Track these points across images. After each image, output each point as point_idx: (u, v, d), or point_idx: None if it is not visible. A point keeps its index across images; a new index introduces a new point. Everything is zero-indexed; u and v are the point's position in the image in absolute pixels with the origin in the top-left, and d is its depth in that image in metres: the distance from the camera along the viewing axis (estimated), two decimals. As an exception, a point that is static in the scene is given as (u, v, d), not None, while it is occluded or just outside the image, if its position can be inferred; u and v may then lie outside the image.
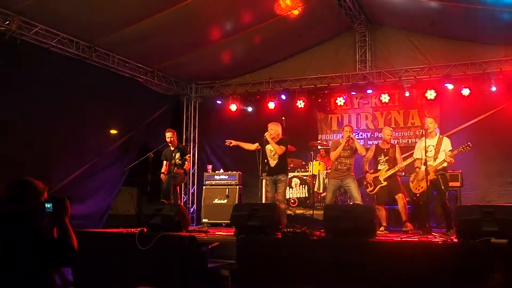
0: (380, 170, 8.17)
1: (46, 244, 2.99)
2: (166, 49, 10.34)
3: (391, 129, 8.96)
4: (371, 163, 8.37)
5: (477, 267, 5.11)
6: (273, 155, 8.09)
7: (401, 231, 7.73)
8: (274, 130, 8.07)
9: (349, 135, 8.09)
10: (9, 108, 8.25)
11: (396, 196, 8.00)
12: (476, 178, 10.14)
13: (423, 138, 7.58)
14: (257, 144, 8.25)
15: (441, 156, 7.35)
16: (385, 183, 8.09)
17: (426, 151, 7.43)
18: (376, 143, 10.87)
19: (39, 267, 2.97)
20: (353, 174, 8.17)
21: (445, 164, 7.35)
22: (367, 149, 8.44)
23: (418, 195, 7.79)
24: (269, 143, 8.05)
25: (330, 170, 9.80)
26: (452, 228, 7.07)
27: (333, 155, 8.17)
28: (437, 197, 7.31)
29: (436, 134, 7.51)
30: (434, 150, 7.30)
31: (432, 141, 7.45)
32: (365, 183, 8.42)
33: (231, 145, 8.45)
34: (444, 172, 7.41)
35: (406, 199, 8.29)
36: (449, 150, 7.40)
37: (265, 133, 8.02)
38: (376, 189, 8.17)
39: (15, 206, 3.07)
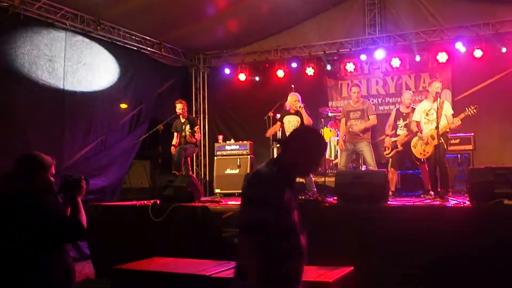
0: (399, 135, 8.14)
1: (53, 221, 3.00)
2: (171, 20, 10.20)
3: (411, 93, 8.89)
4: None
5: (490, 230, 5.10)
6: (291, 126, 8.10)
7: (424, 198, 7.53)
8: (295, 99, 8.14)
9: (300, 105, 8.05)
10: (15, 86, 8.24)
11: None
12: (490, 141, 9.99)
13: (424, 101, 7.67)
14: (279, 123, 8.38)
15: (443, 120, 7.27)
16: (401, 148, 8.06)
17: (427, 114, 7.44)
18: (387, 108, 10.83)
19: (47, 243, 2.99)
20: (368, 138, 8.09)
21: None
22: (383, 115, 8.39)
23: (423, 160, 7.72)
24: (287, 115, 8.21)
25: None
26: (448, 191, 7.07)
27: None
28: (438, 158, 7.19)
29: (438, 98, 7.36)
30: (435, 113, 7.16)
31: (433, 105, 7.35)
32: (384, 145, 8.41)
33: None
34: (446, 134, 7.37)
35: (406, 164, 8.30)
36: (451, 114, 7.34)
37: (297, 105, 8.05)
38: (392, 153, 8.20)
39: (23, 181, 3.05)
